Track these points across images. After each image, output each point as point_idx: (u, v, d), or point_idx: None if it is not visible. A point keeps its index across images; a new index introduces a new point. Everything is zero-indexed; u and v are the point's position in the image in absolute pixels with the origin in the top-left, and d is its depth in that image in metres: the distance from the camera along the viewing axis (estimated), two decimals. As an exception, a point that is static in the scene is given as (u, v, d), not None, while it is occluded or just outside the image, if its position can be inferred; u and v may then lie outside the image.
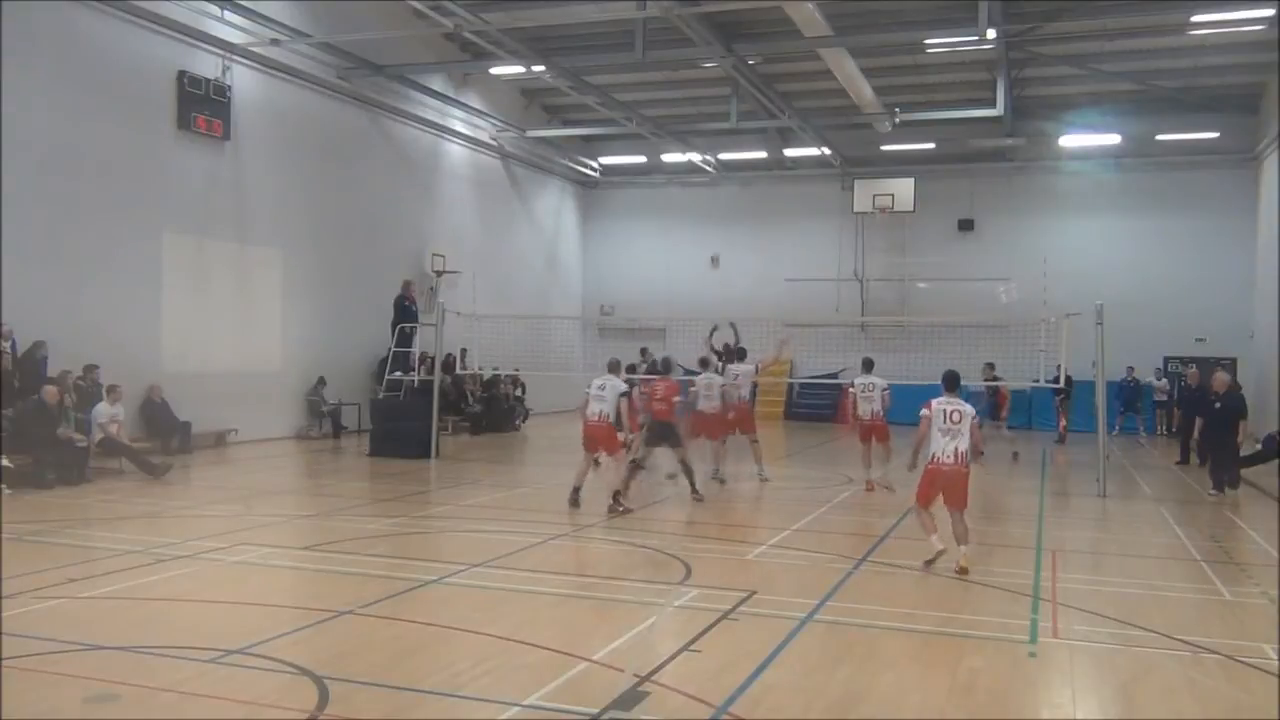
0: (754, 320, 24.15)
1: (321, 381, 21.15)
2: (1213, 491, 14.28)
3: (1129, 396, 24.75)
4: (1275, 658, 6.55)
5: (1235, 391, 15.12)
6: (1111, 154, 27.68)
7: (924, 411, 9.18)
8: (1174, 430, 20.74)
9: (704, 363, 15.18)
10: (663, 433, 12.44)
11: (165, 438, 16.81)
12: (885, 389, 14.45)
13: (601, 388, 11.77)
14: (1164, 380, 26.18)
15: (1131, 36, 22.24)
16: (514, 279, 28.02)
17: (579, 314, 31.85)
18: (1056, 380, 16.51)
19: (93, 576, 8.18)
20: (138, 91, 17.24)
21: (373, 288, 21.86)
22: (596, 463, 12.80)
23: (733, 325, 16.69)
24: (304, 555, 9.48)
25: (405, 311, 20.71)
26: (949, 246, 29.06)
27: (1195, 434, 16.00)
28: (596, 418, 11.67)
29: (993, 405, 18.73)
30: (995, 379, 18.39)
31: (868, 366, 15.06)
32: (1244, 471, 16.59)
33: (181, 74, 17.87)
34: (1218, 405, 14.68)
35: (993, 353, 18.85)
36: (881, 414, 14.34)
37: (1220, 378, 15.11)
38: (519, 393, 25.21)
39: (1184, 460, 18.49)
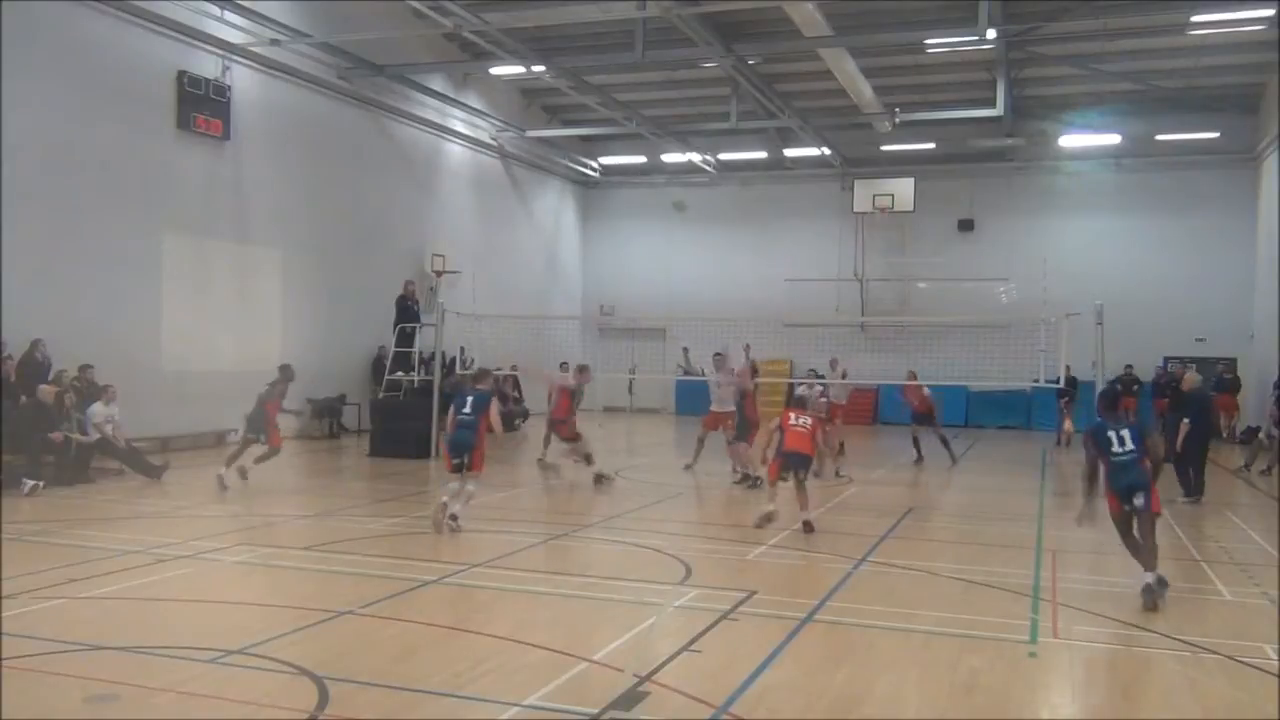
0: (754, 320, 24.15)
1: (322, 382, 21.12)
2: (1183, 498, 13.46)
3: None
4: (1275, 658, 6.54)
5: (1197, 392, 14.28)
6: (1111, 154, 27.67)
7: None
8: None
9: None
10: None
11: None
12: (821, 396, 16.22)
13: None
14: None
15: (1131, 36, 22.23)
16: (514, 279, 27.99)
17: (579, 314, 31.83)
18: (1057, 380, 16.44)
19: (93, 576, 8.17)
20: (138, 91, 17.23)
21: (373, 288, 21.85)
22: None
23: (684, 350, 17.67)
24: (304, 555, 9.46)
25: (407, 311, 20.71)
26: (949, 246, 29.03)
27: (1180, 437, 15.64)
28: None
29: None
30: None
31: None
32: (1244, 471, 16.51)
33: (181, 74, 17.87)
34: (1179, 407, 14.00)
35: (993, 352, 18.82)
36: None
37: (1189, 378, 14.44)
38: (517, 393, 25.17)
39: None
